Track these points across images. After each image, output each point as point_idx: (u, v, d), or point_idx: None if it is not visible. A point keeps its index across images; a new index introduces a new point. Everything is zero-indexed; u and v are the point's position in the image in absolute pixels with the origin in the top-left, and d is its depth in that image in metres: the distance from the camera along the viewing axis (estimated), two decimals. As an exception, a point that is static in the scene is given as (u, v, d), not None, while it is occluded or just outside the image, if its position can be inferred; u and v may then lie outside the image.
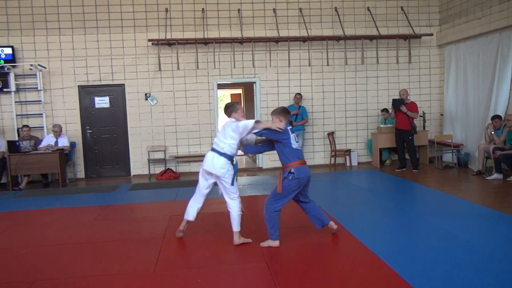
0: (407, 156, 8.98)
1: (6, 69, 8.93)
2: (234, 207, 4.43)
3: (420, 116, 9.68)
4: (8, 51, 8.98)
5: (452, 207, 5.85)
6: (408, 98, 8.85)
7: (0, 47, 8.97)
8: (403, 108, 8.57)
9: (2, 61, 8.93)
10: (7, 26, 9.13)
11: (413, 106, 8.71)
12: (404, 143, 8.80)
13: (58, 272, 3.96)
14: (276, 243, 4.35)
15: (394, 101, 8.81)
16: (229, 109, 4.54)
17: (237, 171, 4.54)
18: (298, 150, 4.36)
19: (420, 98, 10.08)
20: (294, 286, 3.45)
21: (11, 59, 8.97)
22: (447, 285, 3.34)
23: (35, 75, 9.11)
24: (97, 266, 4.07)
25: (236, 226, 4.44)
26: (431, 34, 9.98)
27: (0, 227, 5.62)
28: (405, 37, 9.84)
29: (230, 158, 4.39)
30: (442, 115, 10.12)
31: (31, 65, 8.97)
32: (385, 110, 9.63)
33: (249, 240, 4.49)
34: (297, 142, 4.36)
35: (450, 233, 4.61)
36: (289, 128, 4.33)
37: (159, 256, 4.23)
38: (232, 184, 4.42)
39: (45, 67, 9.16)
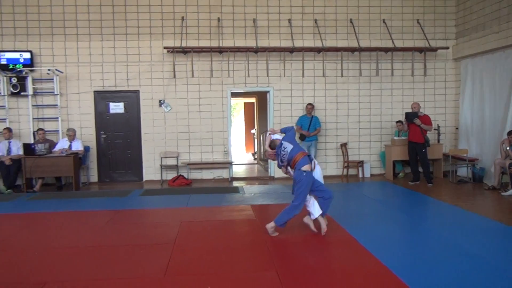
0: (420, 169, 8.88)
1: (24, 73, 9.08)
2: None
3: (435, 129, 9.58)
4: (27, 55, 9.14)
5: (466, 222, 5.76)
6: (421, 111, 8.78)
7: (19, 52, 9.15)
8: (417, 121, 8.48)
9: (20, 65, 9.08)
10: (27, 32, 9.32)
11: (426, 119, 8.62)
12: (417, 156, 8.71)
13: (69, 275, 3.98)
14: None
15: (407, 114, 8.74)
16: None
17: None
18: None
19: (435, 111, 9.99)
20: (304, 297, 3.42)
21: (29, 63, 9.12)
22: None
23: (52, 79, 9.26)
24: (106, 270, 4.09)
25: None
26: (447, 48, 9.92)
27: (14, 228, 5.70)
28: (420, 50, 9.79)
29: None
30: (457, 128, 10.00)
31: (49, 69, 9.10)
32: (400, 121, 9.54)
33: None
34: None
35: (463, 248, 4.53)
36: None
37: (169, 262, 4.22)
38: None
39: (62, 72, 9.30)
